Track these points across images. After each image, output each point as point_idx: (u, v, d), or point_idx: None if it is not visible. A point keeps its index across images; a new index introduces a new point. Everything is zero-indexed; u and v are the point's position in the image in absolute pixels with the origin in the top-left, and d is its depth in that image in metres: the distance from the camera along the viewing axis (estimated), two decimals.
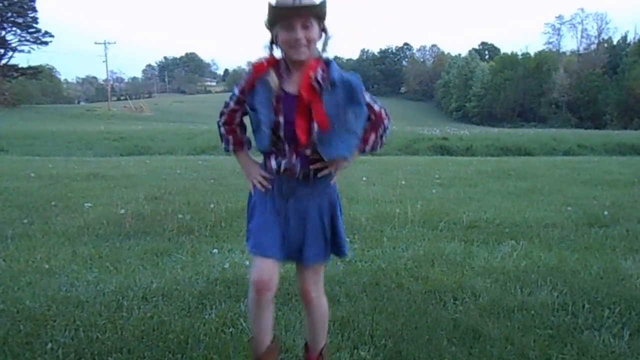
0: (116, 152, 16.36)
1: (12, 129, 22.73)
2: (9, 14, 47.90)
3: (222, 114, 1.90)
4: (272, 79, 1.69)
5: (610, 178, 8.45)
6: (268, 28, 1.72)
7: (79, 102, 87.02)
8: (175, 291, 2.99)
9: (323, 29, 1.72)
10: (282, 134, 1.72)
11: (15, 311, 2.66)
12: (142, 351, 2.26)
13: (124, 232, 4.41)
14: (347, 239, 1.86)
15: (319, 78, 1.68)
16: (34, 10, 49.62)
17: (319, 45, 1.73)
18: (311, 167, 1.75)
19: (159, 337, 2.39)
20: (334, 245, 1.86)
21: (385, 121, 1.86)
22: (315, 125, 1.67)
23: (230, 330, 2.48)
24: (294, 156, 1.74)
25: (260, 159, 1.88)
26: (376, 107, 1.82)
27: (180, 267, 3.50)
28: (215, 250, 3.86)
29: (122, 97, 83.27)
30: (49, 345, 2.29)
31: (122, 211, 5.12)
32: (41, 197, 6.00)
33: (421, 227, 4.71)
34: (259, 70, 1.72)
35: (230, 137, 1.92)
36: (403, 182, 7.48)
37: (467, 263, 3.62)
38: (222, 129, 1.92)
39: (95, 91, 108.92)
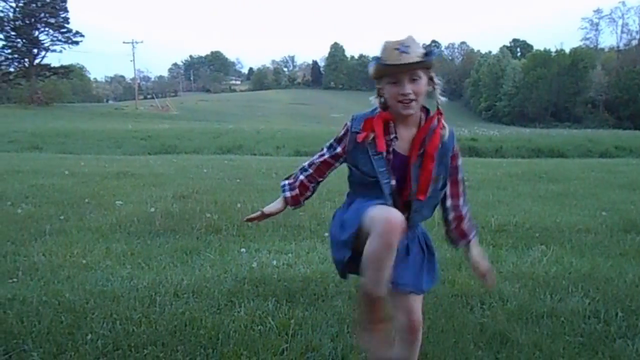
0: (144, 151, 16.74)
1: (46, 127, 23.53)
2: (42, 15, 49.33)
3: (313, 162, 1.83)
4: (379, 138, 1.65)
5: None
6: (375, 80, 1.67)
7: (107, 101, 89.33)
8: (204, 289, 3.06)
9: (431, 78, 1.65)
10: (387, 192, 1.68)
11: (57, 303, 2.78)
12: (175, 345, 2.34)
13: (154, 230, 4.53)
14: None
15: (445, 138, 1.67)
16: (66, 10, 51.04)
17: (431, 95, 1.69)
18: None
19: (190, 332, 2.47)
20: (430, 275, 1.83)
21: (467, 202, 1.84)
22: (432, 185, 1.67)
23: (259, 327, 2.53)
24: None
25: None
26: (460, 175, 1.80)
27: (209, 265, 3.58)
28: (243, 250, 3.92)
29: (148, 96, 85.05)
30: (89, 336, 2.40)
31: (152, 209, 5.25)
32: (75, 195, 6.21)
33: None
34: (368, 129, 1.66)
35: (298, 190, 1.84)
36: None
37: (495, 267, 3.57)
38: (302, 175, 1.85)
39: (123, 90, 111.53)
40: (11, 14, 48.53)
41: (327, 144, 1.80)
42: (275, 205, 1.86)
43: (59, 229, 4.49)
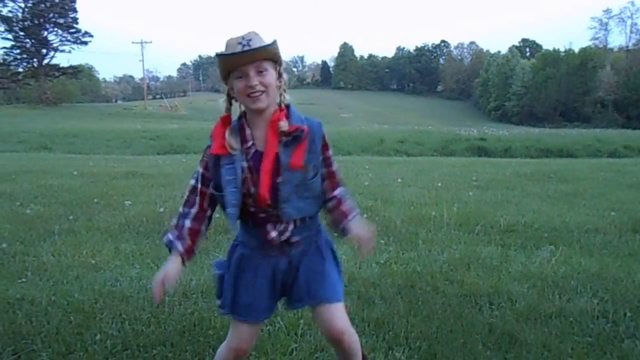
0: (153, 151, 16.82)
1: (55, 127, 23.70)
2: (51, 15, 49.66)
3: (187, 201, 1.66)
4: (231, 141, 1.58)
5: None
6: (223, 81, 1.61)
7: (116, 101, 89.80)
8: (213, 289, 3.06)
9: (279, 73, 1.60)
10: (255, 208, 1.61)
11: (66, 303, 2.80)
12: (185, 345, 2.35)
13: (163, 230, 4.54)
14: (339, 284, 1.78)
15: (284, 128, 1.57)
16: (75, 10, 51.34)
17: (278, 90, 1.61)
18: (352, 240, 1.68)
19: (199, 332, 2.48)
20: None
21: (344, 190, 1.74)
22: (281, 183, 1.57)
23: (268, 328, 2.54)
24: (274, 227, 1.62)
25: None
26: (334, 166, 1.72)
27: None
28: None
29: (157, 96, 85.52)
30: (98, 336, 2.42)
31: (161, 209, 5.27)
32: (84, 195, 6.24)
33: (457, 230, 4.67)
34: (217, 136, 1.60)
35: (188, 240, 1.63)
36: (439, 184, 7.42)
37: (503, 267, 3.57)
38: (187, 220, 1.64)
39: (132, 90, 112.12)
40: (20, 15, 48.92)
41: (193, 175, 1.68)
42: (171, 266, 1.60)
43: (68, 229, 4.53)
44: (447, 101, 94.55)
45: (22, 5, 48.66)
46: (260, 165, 1.57)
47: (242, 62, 1.52)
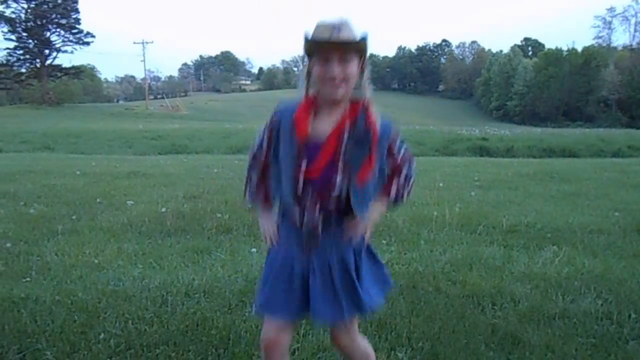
0: (154, 151, 16.81)
1: (57, 127, 23.75)
2: (54, 16, 49.70)
3: (254, 157, 1.74)
4: (306, 125, 1.56)
5: None
6: (305, 58, 1.57)
7: (118, 101, 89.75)
8: (216, 288, 3.08)
9: (363, 65, 1.56)
10: (302, 185, 1.58)
11: (70, 302, 2.82)
12: (187, 345, 2.36)
13: (165, 230, 4.56)
14: (379, 291, 1.75)
15: (356, 126, 1.55)
16: (77, 11, 51.31)
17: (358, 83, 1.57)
18: (343, 225, 1.63)
19: (202, 332, 2.49)
20: (354, 301, 1.66)
21: (405, 167, 1.70)
22: (339, 178, 1.55)
23: None
24: (317, 210, 1.60)
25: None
26: (398, 157, 1.68)
27: (220, 265, 3.59)
28: (254, 250, 3.94)
29: (159, 96, 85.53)
30: (102, 335, 2.43)
31: (163, 209, 5.28)
32: (87, 194, 6.26)
33: (459, 230, 4.66)
34: (301, 120, 1.57)
35: (258, 187, 1.76)
36: (441, 184, 7.40)
37: (506, 268, 3.57)
38: (255, 177, 1.76)
39: (134, 90, 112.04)
40: (23, 15, 48.98)
41: (257, 139, 1.72)
42: (265, 217, 1.78)
43: (71, 229, 4.54)
44: (449, 101, 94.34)
45: (25, 6, 48.73)
46: (317, 155, 1.56)
47: (328, 48, 1.49)
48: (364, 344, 1.85)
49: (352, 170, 1.56)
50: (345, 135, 1.55)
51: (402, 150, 1.70)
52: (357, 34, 1.50)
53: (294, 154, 1.56)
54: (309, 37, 1.49)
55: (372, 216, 1.69)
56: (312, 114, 1.58)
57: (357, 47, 1.51)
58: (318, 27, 1.50)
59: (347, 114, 1.57)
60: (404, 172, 1.71)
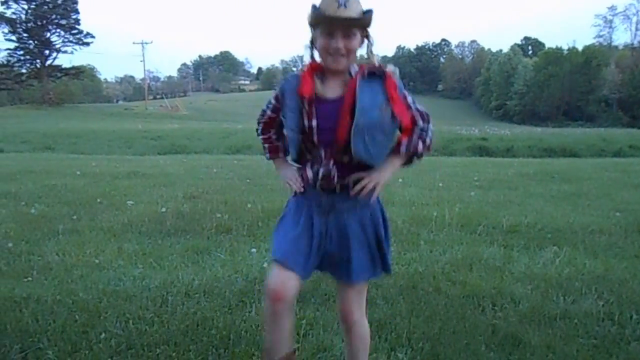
0: (154, 151, 16.83)
1: (57, 127, 23.79)
2: (54, 16, 49.67)
3: (259, 122, 1.88)
4: (310, 84, 1.63)
5: None
6: (310, 27, 1.66)
7: (117, 101, 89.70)
8: (216, 289, 3.08)
9: (366, 36, 1.64)
10: (316, 138, 1.64)
11: (71, 302, 2.82)
12: (188, 345, 2.36)
13: (165, 230, 4.56)
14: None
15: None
16: (77, 12, 51.24)
17: (362, 52, 1.66)
18: (351, 177, 1.65)
19: (202, 332, 2.49)
20: (382, 262, 1.76)
21: (420, 122, 1.70)
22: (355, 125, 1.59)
23: None
24: (331, 162, 1.65)
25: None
26: (412, 108, 1.70)
27: (220, 265, 3.60)
28: (254, 250, 3.94)
29: (158, 96, 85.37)
30: (103, 335, 2.43)
31: (163, 209, 5.28)
32: (87, 194, 6.26)
33: (459, 230, 4.66)
34: (306, 81, 1.65)
35: (267, 145, 1.90)
36: (440, 184, 7.41)
37: (506, 268, 3.57)
38: (264, 139, 1.91)
39: (133, 90, 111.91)
40: (23, 16, 48.98)
41: (267, 105, 1.83)
42: (283, 167, 1.87)
43: (72, 229, 4.54)
44: (448, 100, 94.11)
45: (26, 7, 48.69)
46: (330, 113, 1.62)
47: (334, 22, 1.56)
48: (367, 325, 1.91)
49: (370, 116, 1.59)
50: (359, 82, 1.60)
51: (417, 105, 1.72)
52: (362, 9, 1.58)
53: (299, 109, 1.64)
54: (317, 8, 1.57)
55: (384, 169, 1.69)
56: (318, 76, 1.65)
57: (362, 22, 1.59)
58: (325, 0, 1.56)
59: (357, 74, 1.63)
60: (420, 124, 1.71)
